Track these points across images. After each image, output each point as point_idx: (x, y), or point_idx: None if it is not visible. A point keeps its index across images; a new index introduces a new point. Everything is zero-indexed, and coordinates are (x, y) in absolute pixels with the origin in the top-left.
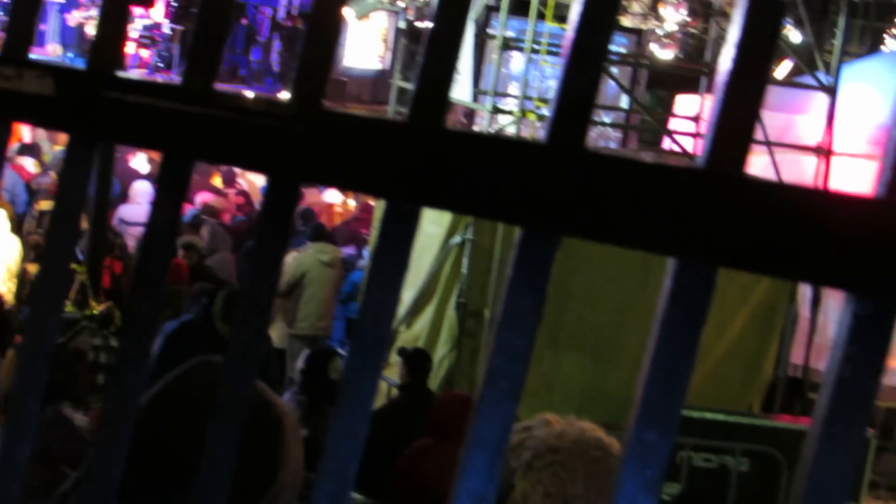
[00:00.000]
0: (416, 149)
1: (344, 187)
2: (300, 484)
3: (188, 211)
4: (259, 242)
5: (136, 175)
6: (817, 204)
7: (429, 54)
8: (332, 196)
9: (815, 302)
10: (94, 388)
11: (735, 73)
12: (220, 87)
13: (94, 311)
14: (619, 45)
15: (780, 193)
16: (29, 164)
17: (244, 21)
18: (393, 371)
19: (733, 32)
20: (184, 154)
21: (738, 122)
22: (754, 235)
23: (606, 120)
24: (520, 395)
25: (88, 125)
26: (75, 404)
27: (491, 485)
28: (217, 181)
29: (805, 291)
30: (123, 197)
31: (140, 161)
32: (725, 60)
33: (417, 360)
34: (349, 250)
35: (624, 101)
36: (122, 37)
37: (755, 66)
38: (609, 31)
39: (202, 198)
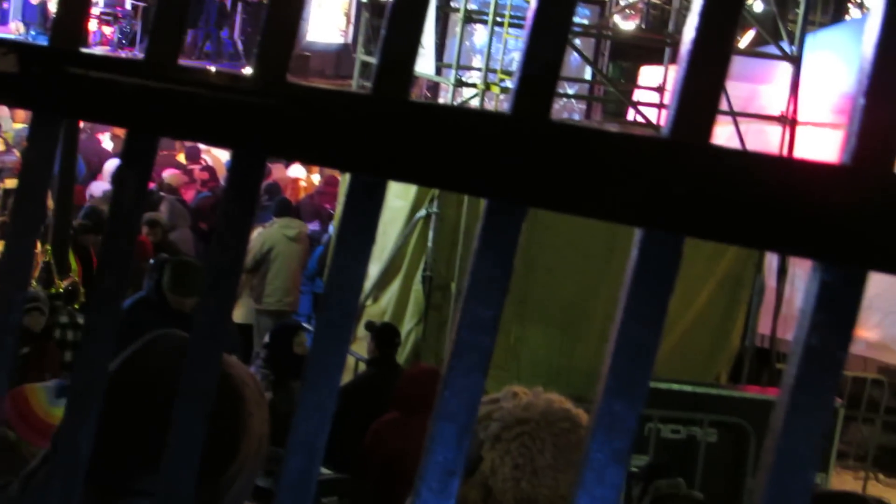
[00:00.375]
0: (380, 122)
1: (309, 161)
2: (266, 450)
3: None
4: (224, 217)
5: (106, 154)
6: (783, 172)
7: (391, 27)
8: (297, 171)
9: (782, 272)
10: (62, 367)
11: (699, 42)
12: (186, 63)
13: (60, 290)
14: (581, 17)
15: (746, 162)
16: None
17: None
18: (360, 346)
19: (697, 1)
20: (148, 130)
21: (703, 92)
22: (721, 204)
23: (570, 91)
24: (488, 367)
25: (53, 102)
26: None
27: (460, 457)
28: (182, 157)
29: (772, 262)
30: (92, 177)
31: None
32: (689, 29)
33: (386, 335)
34: (313, 226)
35: (588, 73)
36: (84, 13)
37: (720, 35)
38: (573, 0)
39: (168, 174)
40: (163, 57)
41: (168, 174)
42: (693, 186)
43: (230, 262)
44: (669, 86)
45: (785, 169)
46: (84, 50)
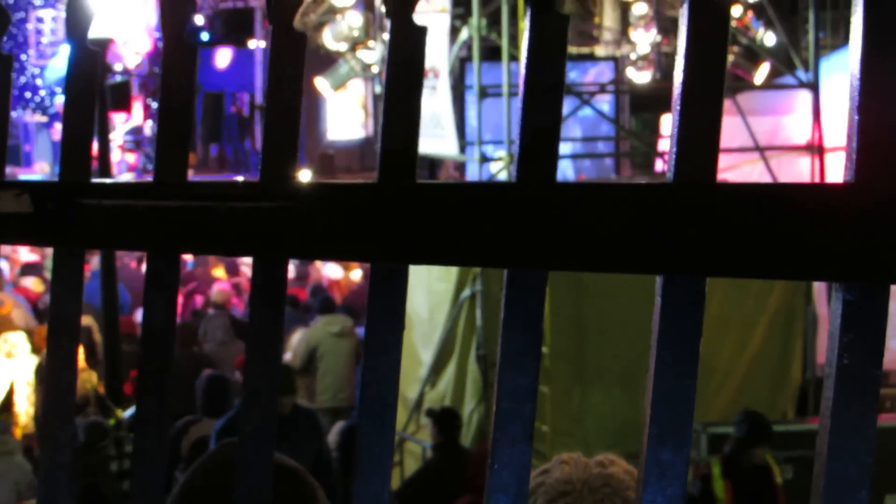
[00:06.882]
0: (387, 207)
1: (326, 257)
2: None
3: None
4: (253, 326)
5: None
6: (788, 199)
7: (387, 114)
8: (334, 270)
9: (831, 298)
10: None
11: (689, 84)
12: (213, 177)
13: (119, 419)
14: (598, 76)
15: (750, 194)
16: (31, 283)
17: (232, 109)
18: (425, 433)
19: (680, 44)
20: (166, 249)
21: (700, 132)
22: (731, 239)
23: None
24: (532, 434)
25: (69, 235)
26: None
27: None
28: (219, 272)
29: (820, 290)
30: (138, 304)
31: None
32: (678, 73)
33: (446, 419)
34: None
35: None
36: (89, 143)
37: (709, 74)
38: (561, 59)
39: (216, 291)
40: (171, 176)
41: (215, 291)
42: (702, 225)
43: (267, 372)
44: None
45: (789, 196)
46: (96, 179)
